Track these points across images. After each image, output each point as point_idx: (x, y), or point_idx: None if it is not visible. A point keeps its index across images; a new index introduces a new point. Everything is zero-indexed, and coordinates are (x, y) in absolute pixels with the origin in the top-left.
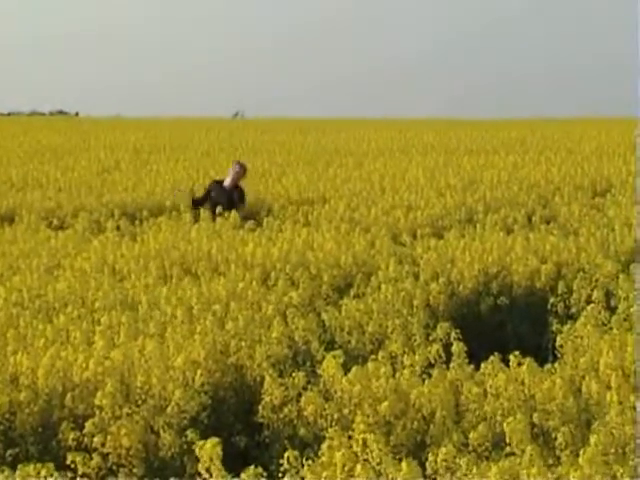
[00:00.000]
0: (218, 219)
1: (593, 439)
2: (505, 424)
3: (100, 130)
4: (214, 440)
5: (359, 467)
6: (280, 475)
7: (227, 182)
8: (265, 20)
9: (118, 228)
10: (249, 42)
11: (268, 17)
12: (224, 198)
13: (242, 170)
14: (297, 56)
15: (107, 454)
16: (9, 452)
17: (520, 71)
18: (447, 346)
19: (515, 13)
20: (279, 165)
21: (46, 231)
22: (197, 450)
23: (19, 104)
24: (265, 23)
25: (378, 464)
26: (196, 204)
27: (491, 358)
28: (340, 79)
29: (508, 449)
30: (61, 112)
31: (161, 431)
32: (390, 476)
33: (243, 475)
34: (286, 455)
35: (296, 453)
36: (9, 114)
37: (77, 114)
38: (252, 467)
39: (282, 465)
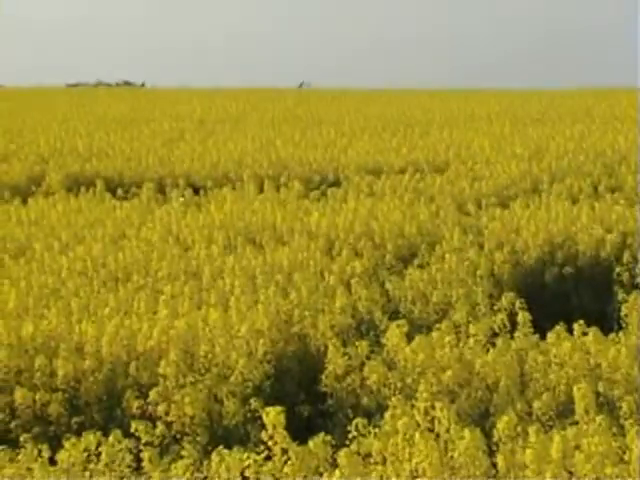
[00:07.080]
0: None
1: None
2: (575, 390)
3: (166, 100)
4: (278, 408)
5: (417, 435)
6: (347, 443)
7: None
8: None
9: (183, 197)
10: (314, 10)
11: None
12: None
13: None
14: (360, 24)
15: (171, 423)
16: (74, 420)
17: (584, 40)
18: (511, 316)
19: None
20: (345, 135)
21: (111, 201)
22: (262, 417)
23: (85, 75)
24: None
25: (445, 432)
26: None
27: (556, 327)
28: (408, 47)
29: (572, 418)
30: (127, 82)
31: (225, 399)
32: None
33: (310, 442)
34: (354, 423)
35: (364, 421)
36: (75, 85)
37: (143, 84)
38: (321, 435)
39: (347, 433)
